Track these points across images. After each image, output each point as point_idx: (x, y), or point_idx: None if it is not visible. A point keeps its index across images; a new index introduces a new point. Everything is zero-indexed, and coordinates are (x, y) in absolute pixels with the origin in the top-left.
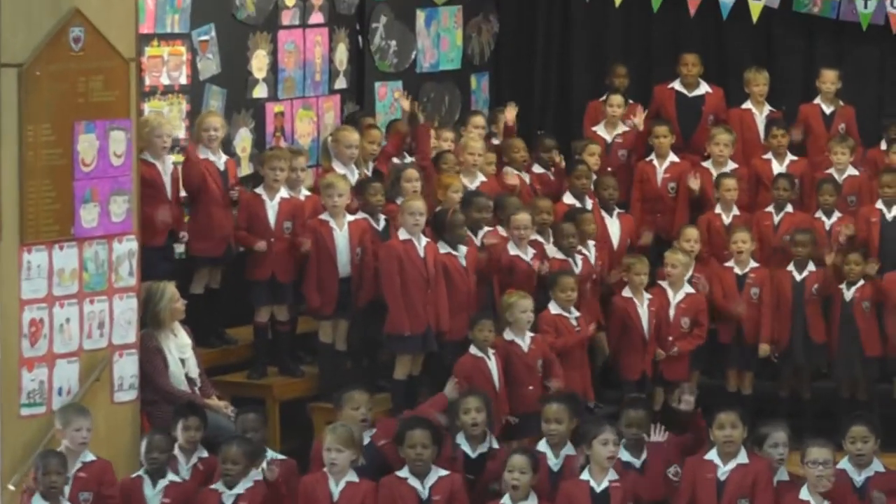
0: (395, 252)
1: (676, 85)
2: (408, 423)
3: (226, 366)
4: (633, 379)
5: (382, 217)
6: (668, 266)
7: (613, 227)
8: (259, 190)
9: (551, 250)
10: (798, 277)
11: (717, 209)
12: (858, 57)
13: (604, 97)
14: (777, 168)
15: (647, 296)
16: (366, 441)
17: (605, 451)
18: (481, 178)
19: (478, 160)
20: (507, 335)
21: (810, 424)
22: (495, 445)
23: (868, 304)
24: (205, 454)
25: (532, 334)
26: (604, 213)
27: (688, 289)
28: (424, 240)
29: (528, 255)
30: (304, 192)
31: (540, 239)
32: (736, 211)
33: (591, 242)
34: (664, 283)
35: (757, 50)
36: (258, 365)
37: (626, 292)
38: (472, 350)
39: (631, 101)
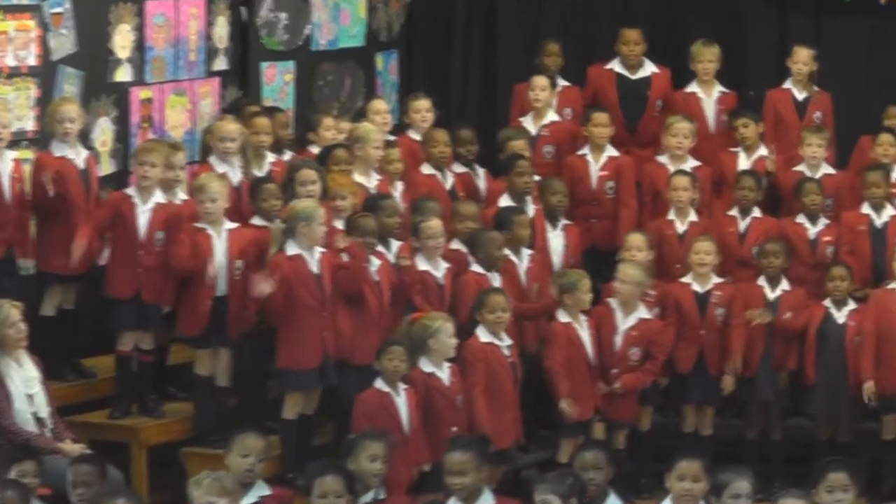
0: (281, 270)
1: (616, 66)
2: (317, 468)
3: (84, 403)
4: (583, 419)
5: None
6: (618, 280)
7: (556, 240)
8: (130, 191)
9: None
10: (771, 296)
11: (670, 214)
12: (840, 33)
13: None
14: (744, 164)
15: (583, 318)
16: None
17: None
18: (376, 177)
19: (380, 154)
20: (426, 366)
21: (781, 470)
22: (382, 496)
23: (860, 337)
24: None
25: (450, 365)
26: (546, 224)
27: (642, 312)
28: (318, 252)
29: (441, 270)
30: (182, 196)
31: (464, 249)
32: (693, 216)
33: (526, 252)
34: (613, 302)
35: (720, 24)
36: (122, 403)
37: (564, 316)
38: (378, 384)
39: (566, 84)
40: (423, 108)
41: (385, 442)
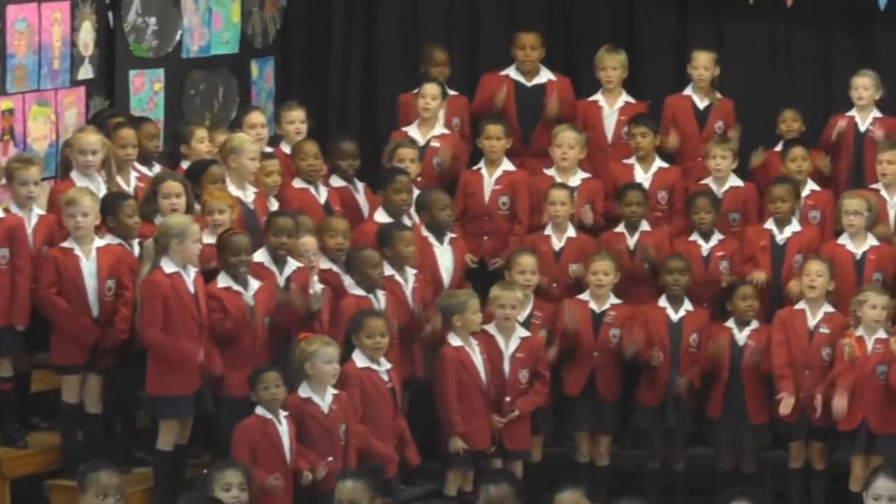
0: (159, 289)
1: (512, 72)
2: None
3: None
4: (481, 448)
5: (136, 242)
6: (507, 307)
7: (445, 256)
8: None
9: (350, 283)
10: (674, 317)
11: (547, 230)
12: (743, 36)
13: (417, 90)
14: (641, 177)
15: (475, 342)
16: None
17: None
18: (253, 190)
19: (255, 166)
20: (304, 392)
21: (684, 502)
22: None
23: (758, 357)
24: None
25: (335, 392)
26: (432, 240)
27: (521, 332)
28: (193, 271)
29: (318, 290)
30: (38, 212)
31: (335, 269)
32: (571, 232)
33: (411, 271)
34: (491, 329)
35: (615, 27)
36: None
37: (455, 339)
38: (259, 411)
39: (453, 94)
40: (297, 119)
41: (238, 469)
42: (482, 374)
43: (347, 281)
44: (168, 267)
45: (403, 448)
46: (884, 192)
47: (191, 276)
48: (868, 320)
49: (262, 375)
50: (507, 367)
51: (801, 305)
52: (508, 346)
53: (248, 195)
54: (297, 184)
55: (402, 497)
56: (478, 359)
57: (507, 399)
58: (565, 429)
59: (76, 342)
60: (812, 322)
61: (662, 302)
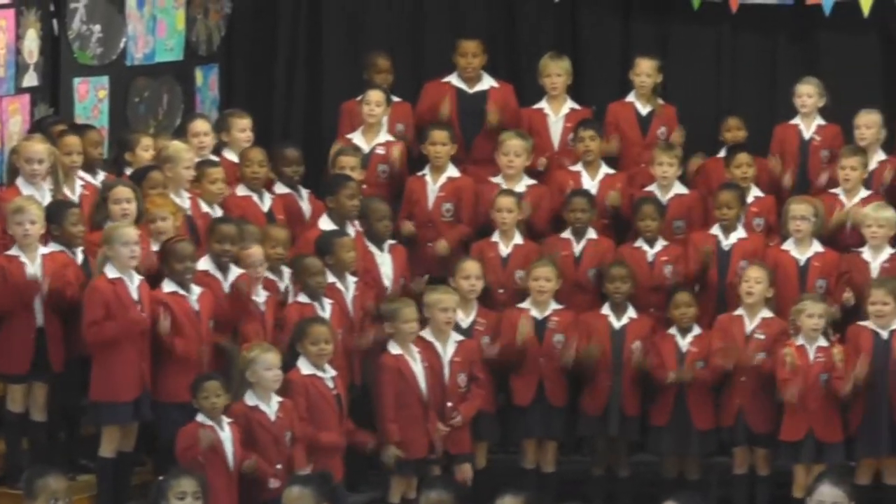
0: (100, 294)
1: (454, 80)
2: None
3: None
4: (417, 457)
5: (80, 249)
6: (449, 310)
7: (385, 264)
8: None
9: (294, 291)
10: (616, 325)
11: (494, 236)
12: (688, 42)
13: (361, 97)
14: (588, 183)
15: (415, 349)
16: None
17: None
18: (188, 197)
19: (191, 174)
20: (250, 399)
21: None
22: None
23: (703, 363)
24: None
25: (280, 399)
26: (372, 248)
27: (456, 336)
28: (137, 278)
29: (261, 297)
30: None
31: (273, 277)
32: (518, 239)
33: (351, 279)
34: (428, 335)
35: (559, 34)
36: None
37: (395, 347)
38: (200, 418)
39: (397, 100)
40: (248, 127)
41: (193, 477)
42: (421, 383)
43: (284, 286)
44: (111, 273)
45: (355, 437)
46: (843, 198)
47: (135, 282)
48: (806, 329)
49: (203, 384)
50: (446, 372)
51: (739, 311)
52: (447, 351)
53: (185, 203)
54: (241, 191)
55: None
56: (418, 367)
57: (450, 405)
58: (515, 436)
59: (22, 315)
60: (749, 327)
61: (605, 309)
